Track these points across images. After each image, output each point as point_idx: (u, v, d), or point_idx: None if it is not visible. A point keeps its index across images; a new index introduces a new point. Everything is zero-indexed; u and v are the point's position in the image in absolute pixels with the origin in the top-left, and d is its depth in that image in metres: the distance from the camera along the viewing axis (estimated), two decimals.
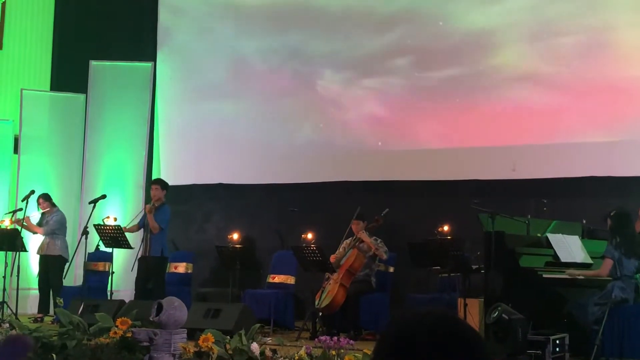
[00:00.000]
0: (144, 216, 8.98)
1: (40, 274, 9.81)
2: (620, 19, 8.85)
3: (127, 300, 8.56)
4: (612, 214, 6.73)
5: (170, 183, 9.56)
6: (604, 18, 8.91)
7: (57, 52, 11.73)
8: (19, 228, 9.51)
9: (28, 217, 9.63)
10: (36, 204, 9.89)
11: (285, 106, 10.58)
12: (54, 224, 9.80)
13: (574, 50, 9.01)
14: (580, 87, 8.96)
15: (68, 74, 11.52)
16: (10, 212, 9.88)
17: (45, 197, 9.96)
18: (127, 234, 9.06)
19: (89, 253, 9.32)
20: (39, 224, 9.84)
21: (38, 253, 9.84)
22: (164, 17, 11.43)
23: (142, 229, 9.10)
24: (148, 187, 9.91)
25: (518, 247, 6.89)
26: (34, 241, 9.95)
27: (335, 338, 5.43)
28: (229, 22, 10.99)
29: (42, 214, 9.94)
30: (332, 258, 8.31)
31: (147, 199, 9.28)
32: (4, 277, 9.08)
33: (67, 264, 9.64)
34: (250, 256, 8.66)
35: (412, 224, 9.14)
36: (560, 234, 7.11)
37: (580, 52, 8.99)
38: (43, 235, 9.81)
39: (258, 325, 6.10)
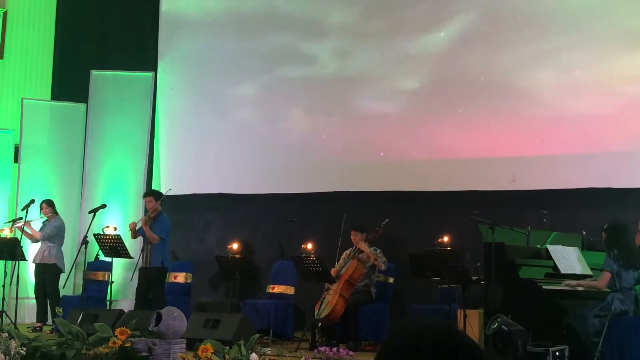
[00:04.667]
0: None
1: (36, 282, 9.80)
2: (621, 30, 8.87)
3: (126, 310, 8.56)
4: (605, 227, 6.70)
5: (170, 193, 9.53)
6: (607, 28, 8.93)
7: (58, 61, 11.75)
8: (19, 235, 9.51)
9: (29, 222, 9.62)
10: (39, 209, 9.88)
11: (286, 116, 10.59)
12: (51, 230, 9.77)
13: (575, 61, 9.02)
14: (580, 99, 8.97)
15: (69, 84, 11.54)
16: (10, 221, 9.89)
17: (49, 203, 9.95)
18: (127, 244, 9.06)
19: (88, 262, 9.32)
20: (39, 230, 9.85)
21: (34, 262, 9.83)
22: (165, 27, 11.44)
23: (142, 238, 9.11)
24: None
25: (518, 258, 6.89)
26: (33, 250, 9.94)
27: (334, 349, 5.43)
28: (230, 32, 11.01)
29: (43, 221, 9.94)
30: (333, 271, 8.30)
31: (147, 209, 9.28)
32: (3, 286, 9.06)
33: (62, 274, 9.64)
34: (249, 266, 8.65)
35: (412, 234, 9.14)
36: (560, 246, 7.10)
37: (582, 63, 9.00)
38: (39, 239, 9.78)
39: (257, 335, 6.10)
